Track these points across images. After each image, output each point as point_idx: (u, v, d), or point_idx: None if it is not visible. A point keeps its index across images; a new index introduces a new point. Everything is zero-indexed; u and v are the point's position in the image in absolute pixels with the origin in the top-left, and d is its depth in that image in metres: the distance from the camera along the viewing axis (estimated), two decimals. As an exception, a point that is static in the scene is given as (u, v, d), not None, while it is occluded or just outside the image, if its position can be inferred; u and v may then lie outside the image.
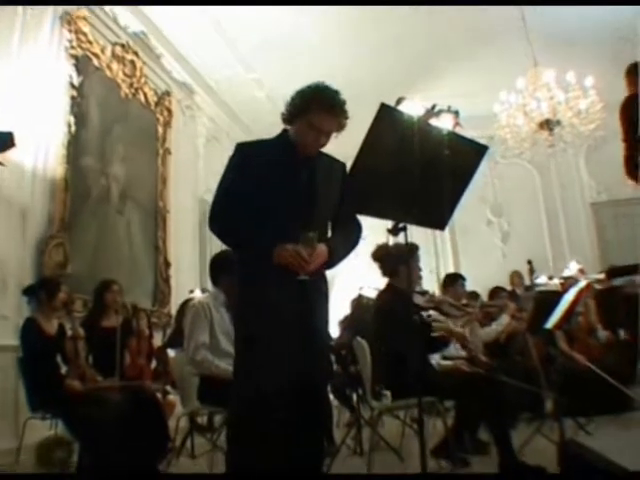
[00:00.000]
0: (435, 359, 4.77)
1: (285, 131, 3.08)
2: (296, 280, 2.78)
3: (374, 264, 4.80)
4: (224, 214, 2.92)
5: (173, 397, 5.65)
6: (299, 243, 2.73)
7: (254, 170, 2.88)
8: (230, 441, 2.90)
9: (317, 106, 2.88)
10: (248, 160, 2.95)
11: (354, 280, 7.74)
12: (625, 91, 4.96)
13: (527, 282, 7.57)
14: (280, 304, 2.81)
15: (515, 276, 9.60)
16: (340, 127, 2.99)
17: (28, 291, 5.15)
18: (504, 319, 6.67)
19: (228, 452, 2.91)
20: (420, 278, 5.09)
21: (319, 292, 3.02)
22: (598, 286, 7.34)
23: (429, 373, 4.28)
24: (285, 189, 2.88)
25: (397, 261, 4.51)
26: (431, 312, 5.34)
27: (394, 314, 4.20)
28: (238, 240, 2.97)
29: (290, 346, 2.79)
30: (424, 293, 5.28)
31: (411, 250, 4.53)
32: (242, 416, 2.79)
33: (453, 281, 6.19)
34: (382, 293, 4.74)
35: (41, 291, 5.02)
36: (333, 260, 2.93)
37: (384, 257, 4.67)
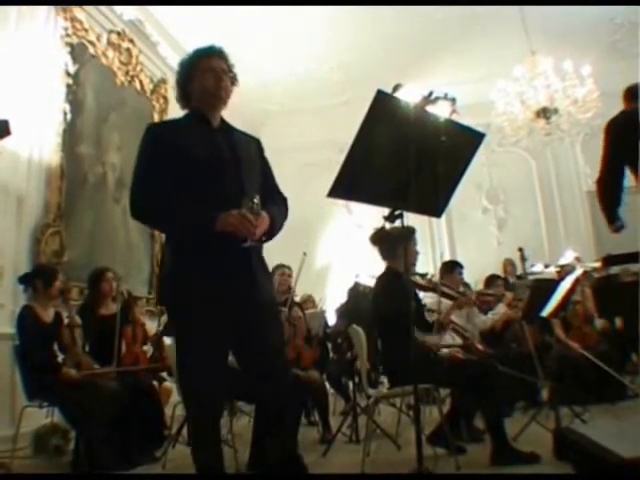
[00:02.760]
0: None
1: (191, 110, 3.06)
2: (240, 248, 2.68)
3: (371, 251, 4.81)
4: (150, 195, 2.78)
5: (169, 384, 5.66)
6: (242, 209, 2.65)
7: (172, 145, 2.81)
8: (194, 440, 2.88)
9: (201, 56, 3.00)
10: (162, 137, 2.89)
11: (350, 268, 7.75)
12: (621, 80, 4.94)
13: (519, 270, 7.57)
14: (226, 273, 2.72)
15: (507, 264, 9.57)
16: (230, 69, 3.05)
17: (24, 279, 5.13)
18: (501, 308, 6.67)
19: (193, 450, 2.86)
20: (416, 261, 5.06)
21: (262, 262, 2.95)
22: (595, 274, 7.36)
23: (428, 359, 4.28)
24: (209, 158, 2.83)
25: (395, 244, 4.53)
26: (427, 297, 5.35)
27: (393, 296, 4.22)
28: (171, 217, 2.79)
29: (238, 315, 2.73)
30: (424, 275, 5.29)
31: (409, 233, 4.56)
32: (202, 405, 2.76)
33: (451, 269, 6.17)
34: (381, 276, 4.74)
35: (38, 279, 5.01)
36: (274, 228, 2.86)
37: (382, 240, 4.68)
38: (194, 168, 2.78)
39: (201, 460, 2.75)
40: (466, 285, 6.75)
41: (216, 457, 2.78)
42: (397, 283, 4.31)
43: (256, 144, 3.14)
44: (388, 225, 3.28)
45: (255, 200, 2.66)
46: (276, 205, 2.97)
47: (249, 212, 2.64)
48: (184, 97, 3.06)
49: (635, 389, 6.22)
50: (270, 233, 2.85)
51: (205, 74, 2.95)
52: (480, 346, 5.55)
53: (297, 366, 5.40)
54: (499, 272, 8.32)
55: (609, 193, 4.60)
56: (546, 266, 8.01)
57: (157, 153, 2.83)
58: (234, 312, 2.72)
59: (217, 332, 2.71)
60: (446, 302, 5.28)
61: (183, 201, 2.73)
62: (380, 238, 4.72)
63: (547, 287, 5.03)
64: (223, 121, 3.07)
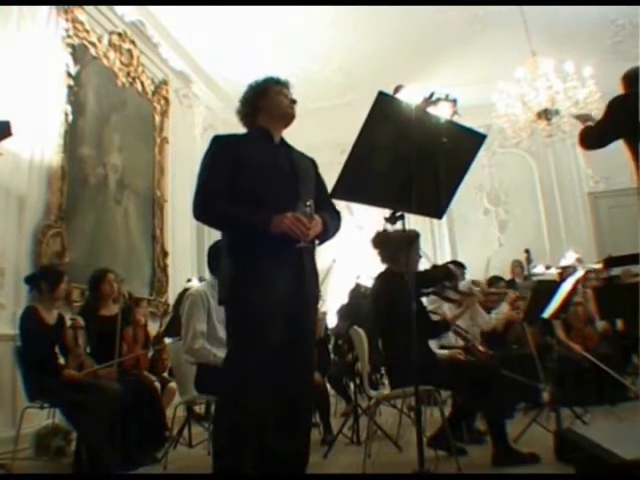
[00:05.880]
0: (432, 347, 4.75)
1: (255, 127, 3.31)
2: (295, 248, 2.85)
3: (372, 253, 4.76)
4: (214, 199, 2.97)
5: (173, 384, 5.66)
6: (297, 212, 2.83)
7: (236, 154, 3.05)
8: (228, 429, 2.90)
9: (274, 81, 3.30)
10: (227, 146, 3.13)
11: (352, 269, 7.74)
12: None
13: (526, 271, 7.56)
14: (279, 272, 2.91)
15: (515, 265, 9.58)
16: None
17: (30, 280, 5.13)
18: (504, 307, 6.67)
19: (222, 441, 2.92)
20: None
21: (313, 263, 3.18)
22: (596, 276, 7.36)
23: (430, 361, 4.25)
24: (270, 169, 3.06)
25: (397, 248, 4.47)
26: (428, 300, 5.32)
27: (393, 296, 4.18)
28: (230, 218, 3.01)
29: (289, 314, 2.91)
30: None
31: (411, 237, 4.50)
32: (244, 399, 2.80)
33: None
34: (380, 275, 4.62)
35: (43, 281, 5.00)
36: (327, 233, 3.05)
37: (383, 244, 4.62)
38: (255, 177, 3.01)
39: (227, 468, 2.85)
40: (475, 283, 6.74)
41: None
42: (398, 283, 4.26)
43: (311, 162, 3.38)
44: (390, 227, 3.28)
45: (308, 203, 2.85)
46: (329, 215, 3.13)
47: (303, 215, 2.83)
48: (251, 113, 3.30)
49: (636, 391, 6.22)
50: (324, 236, 3.05)
51: (279, 95, 3.25)
52: (481, 347, 5.54)
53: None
54: (500, 273, 8.30)
55: (592, 143, 4.48)
56: (547, 267, 8.01)
57: (221, 161, 3.07)
58: (285, 311, 2.91)
59: (274, 329, 2.86)
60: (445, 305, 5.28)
61: (243, 205, 2.93)
62: (381, 241, 4.65)
63: (548, 288, 5.02)
64: (283, 139, 3.32)
